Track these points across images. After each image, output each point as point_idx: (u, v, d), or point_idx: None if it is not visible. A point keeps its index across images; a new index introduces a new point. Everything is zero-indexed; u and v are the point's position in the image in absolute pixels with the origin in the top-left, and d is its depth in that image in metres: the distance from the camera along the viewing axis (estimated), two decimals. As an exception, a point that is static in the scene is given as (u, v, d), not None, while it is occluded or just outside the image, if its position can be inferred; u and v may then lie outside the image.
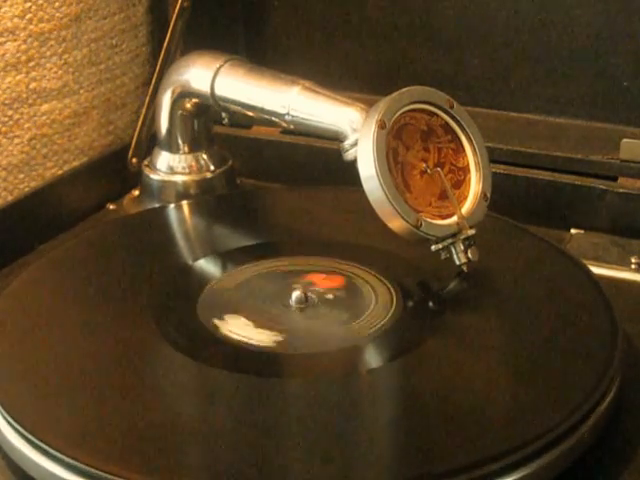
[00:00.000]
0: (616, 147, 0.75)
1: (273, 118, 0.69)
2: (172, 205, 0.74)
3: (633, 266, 0.68)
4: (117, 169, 0.81)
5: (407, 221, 0.58)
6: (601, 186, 0.74)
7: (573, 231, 0.73)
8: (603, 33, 0.79)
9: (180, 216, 0.73)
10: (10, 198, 0.77)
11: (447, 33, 0.83)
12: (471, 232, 0.60)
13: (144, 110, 0.80)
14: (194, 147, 0.77)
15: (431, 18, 0.84)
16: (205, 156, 0.78)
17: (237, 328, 0.57)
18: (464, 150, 0.62)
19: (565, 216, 0.74)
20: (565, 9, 0.79)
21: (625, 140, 0.74)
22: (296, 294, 0.59)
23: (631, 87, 0.79)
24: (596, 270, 0.63)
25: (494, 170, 0.65)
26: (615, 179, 0.75)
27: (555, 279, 0.62)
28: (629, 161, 0.74)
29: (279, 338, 0.56)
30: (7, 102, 0.76)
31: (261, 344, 0.56)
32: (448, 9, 0.83)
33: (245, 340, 0.56)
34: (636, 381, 0.55)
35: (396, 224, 0.58)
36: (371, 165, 0.58)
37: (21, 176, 0.78)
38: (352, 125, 0.63)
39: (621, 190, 0.73)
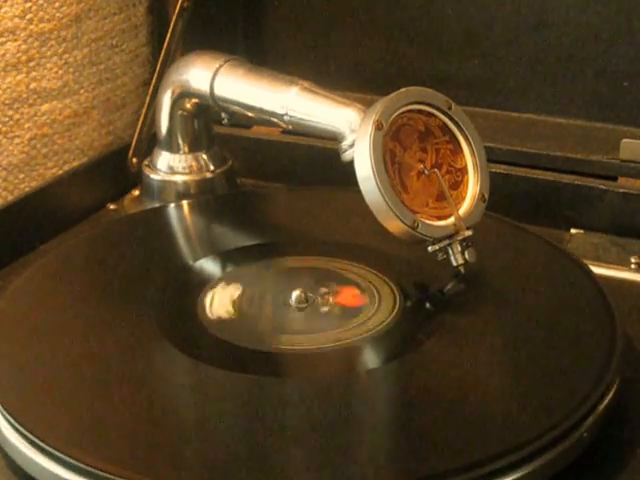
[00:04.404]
0: (616, 147, 0.75)
1: (272, 118, 0.69)
2: (172, 205, 0.74)
3: (633, 266, 0.68)
4: (117, 169, 0.81)
5: (403, 222, 0.58)
6: (601, 186, 0.74)
7: (573, 231, 0.73)
8: (603, 33, 0.79)
9: (180, 216, 0.73)
10: (10, 198, 0.77)
11: (447, 33, 0.83)
12: (468, 233, 0.59)
13: (144, 110, 0.80)
14: (194, 147, 0.77)
15: (431, 18, 0.84)
16: (205, 156, 0.78)
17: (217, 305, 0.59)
18: (462, 151, 0.62)
19: (565, 216, 0.74)
20: (565, 9, 0.79)
21: (625, 140, 0.75)
22: (296, 293, 0.59)
23: (631, 87, 0.79)
24: (596, 270, 0.63)
25: (494, 170, 0.65)
26: (615, 179, 0.75)
27: (555, 279, 0.62)
28: (629, 161, 0.74)
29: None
30: (7, 102, 0.76)
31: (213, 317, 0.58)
32: (448, 9, 0.83)
33: (207, 313, 0.58)
34: (636, 381, 0.55)
35: (393, 225, 0.58)
36: (367, 166, 0.58)
37: (21, 176, 0.79)
38: (350, 125, 0.62)
39: (621, 190, 0.73)
